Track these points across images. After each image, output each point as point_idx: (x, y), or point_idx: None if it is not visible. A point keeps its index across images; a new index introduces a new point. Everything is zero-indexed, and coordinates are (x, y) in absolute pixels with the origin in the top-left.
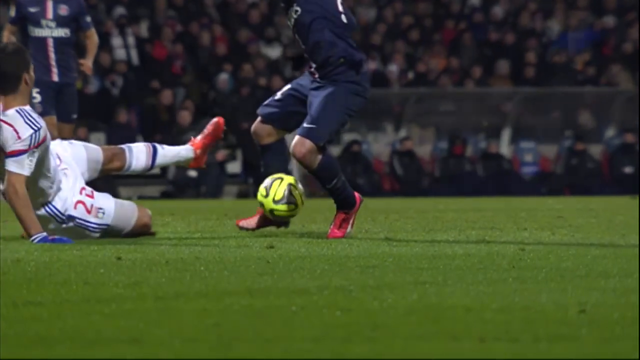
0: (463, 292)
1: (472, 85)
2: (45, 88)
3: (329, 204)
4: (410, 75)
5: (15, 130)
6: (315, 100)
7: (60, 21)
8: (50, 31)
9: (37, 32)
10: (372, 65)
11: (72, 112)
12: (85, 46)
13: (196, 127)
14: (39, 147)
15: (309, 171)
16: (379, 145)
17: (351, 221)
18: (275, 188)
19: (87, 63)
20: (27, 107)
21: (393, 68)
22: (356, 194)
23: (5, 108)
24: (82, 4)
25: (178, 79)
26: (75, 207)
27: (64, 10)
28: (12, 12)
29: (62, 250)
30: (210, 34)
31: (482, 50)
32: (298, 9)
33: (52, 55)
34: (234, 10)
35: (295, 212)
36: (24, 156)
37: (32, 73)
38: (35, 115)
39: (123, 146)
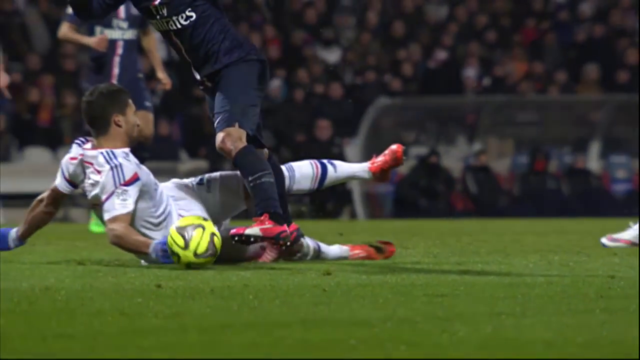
0: (544, 325)
1: (557, 92)
2: None
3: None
4: (486, 81)
5: (96, 169)
6: (216, 96)
7: (132, 21)
8: (121, 33)
9: (107, 34)
10: (442, 70)
11: (144, 100)
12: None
13: None
14: (131, 186)
15: (232, 160)
16: (450, 159)
17: (270, 237)
18: (198, 240)
19: (167, 80)
20: (118, 150)
21: (466, 73)
22: (293, 225)
23: (95, 149)
24: None
25: None
26: None
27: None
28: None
29: (95, 277)
30: (261, 35)
31: (567, 52)
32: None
33: (117, 59)
34: (287, 9)
35: (181, 255)
36: (113, 198)
37: (128, 114)
38: (121, 154)
39: (282, 167)
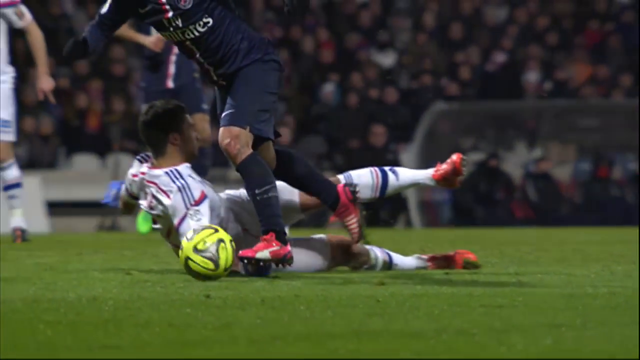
0: (606, 337)
1: (621, 96)
2: (156, 98)
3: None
4: (547, 85)
5: (161, 189)
6: (230, 93)
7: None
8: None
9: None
10: (502, 74)
11: (201, 103)
12: None
13: (297, 145)
14: (202, 204)
15: (235, 165)
16: (510, 166)
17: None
18: (225, 256)
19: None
20: (181, 166)
21: (527, 77)
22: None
23: (158, 168)
24: None
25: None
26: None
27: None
28: None
29: (143, 287)
30: (314, 38)
31: (632, 55)
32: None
33: (173, 58)
34: (341, 12)
35: (212, 275)
36: (187, 220)
37: (185, 129)
38: (185, 171)
39: (340, 176)
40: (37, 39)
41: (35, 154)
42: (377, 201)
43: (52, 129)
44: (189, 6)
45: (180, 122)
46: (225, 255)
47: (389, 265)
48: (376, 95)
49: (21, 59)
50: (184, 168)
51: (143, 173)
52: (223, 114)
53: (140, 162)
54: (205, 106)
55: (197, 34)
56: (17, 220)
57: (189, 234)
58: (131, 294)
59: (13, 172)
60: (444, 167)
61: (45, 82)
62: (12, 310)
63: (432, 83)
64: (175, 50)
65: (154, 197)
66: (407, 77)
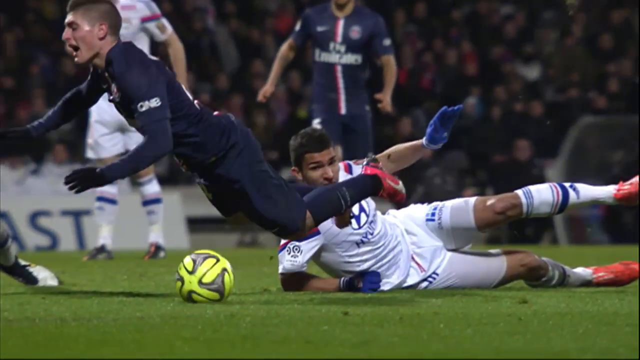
0: None
1: None
2: (329, 119)
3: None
4: None
5: None
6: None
7: (350, 45)
8: (338, 57)
9: (324, 57)
10: None
11: (365, 150)
12: (382, 75)
13: (439, 162)
14: (305, 241)
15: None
16: None
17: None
18: (207, 268)
19: (386, 99)
20: None
21: None
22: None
23: None
24: (380, 23)
25: (425, 96)
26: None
27: (355, 33)
28: (297, 26)
29: (281, 304)
30: (458, 51)
31: None
32: None
33: (340, 84)
34: (485, 24)
35: (216, 298)
36: (284, 251)
37: (305, 169)
38: None
39: (518, 192)
40: (178, 51)
41: (176, 170)
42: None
43: None
44: (118, 99)
45: (301, 161)
46: (229, 283)
47: (563, 276)
48: (520, 109)
49: None
50: None
51: None
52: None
53: None
54: (371, 155)
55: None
56: (154, 235)
57: (189, 264)
58: (269, 310)
59: (153, 187)
60: (626, 187)
61: None
62: (151, 326)
63: (579, 96)
64: (339, 75)
65: None
66: (552, 90)
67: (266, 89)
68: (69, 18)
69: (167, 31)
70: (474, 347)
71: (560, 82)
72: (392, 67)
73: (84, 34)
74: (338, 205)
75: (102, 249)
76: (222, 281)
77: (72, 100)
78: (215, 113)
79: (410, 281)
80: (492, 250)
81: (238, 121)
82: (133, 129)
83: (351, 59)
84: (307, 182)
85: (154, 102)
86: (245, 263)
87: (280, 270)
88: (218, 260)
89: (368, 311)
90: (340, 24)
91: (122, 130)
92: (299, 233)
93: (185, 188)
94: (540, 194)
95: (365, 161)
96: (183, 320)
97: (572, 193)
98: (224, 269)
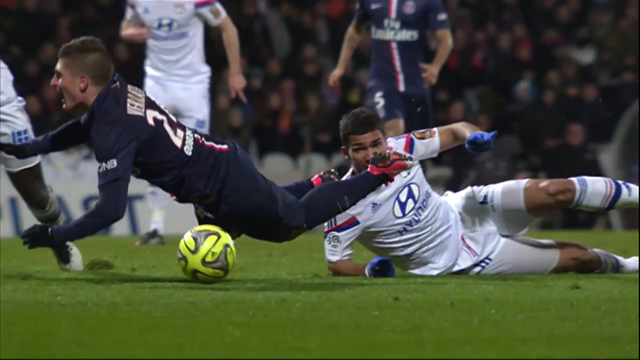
0: None
1: None
2: (390, 93)
3: None
4: None
5: None
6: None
7: (405, 21)
8: (393, 33)
9: (380, 34)
10: None
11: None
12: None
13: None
14: (344, 231)
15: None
16: None
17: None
18: (209, 246)
19: (431, 70)
20: None
21: None
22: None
23: None
24: None
25: (476, 76)
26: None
27: (409, 7)
28: (357, 5)
29: (331, 289)
30: (511, 35)
31: None
32: None
33: (396, 61)
34: (539, 8)
35: (219, 279)
36: (325, 240)
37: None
38: None
39: (573, 179)
40: (232, 36)
41: None
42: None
43: (246, 129)
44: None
45: (347, 141)
46: (211, 247)
47: (616, 267)
48: (574, 94)
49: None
50: None
51: None
52: None
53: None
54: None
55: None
56: None
57: (191, 243)
58: (319, 295)
59: None
60: None
61: (237, 81)
62: (202, 311)
63: (633, 80)
64: (395, 53)
65: None
66: (606, 74)
67: (335, 73)
68: (57, 65)
69: (220, 16)
70: (526, 333)
71: (614, 65)
72: (446, 42)
73: (65, 84)
74: (334, 209)
75: (154, 234)
76: (225, 258)
77: (69, 131)
78: (218, 147)
79: (462, 264)
80: (546, 241)
81: (236, 151)
82: (185, 114)
83: (406, 35)
84: (353, 162)
85: (110, 164)
86: (295, 248)
87: (326, 258)
88: (219, 236)
89: (419, 296)
90: (394, 0)
91: (175, 115)
92: (295, 234)
93: None
94: (595, 185)
95: (371, 159)
96: (234, 305)
97: (624, 190)
98: (227, 245)
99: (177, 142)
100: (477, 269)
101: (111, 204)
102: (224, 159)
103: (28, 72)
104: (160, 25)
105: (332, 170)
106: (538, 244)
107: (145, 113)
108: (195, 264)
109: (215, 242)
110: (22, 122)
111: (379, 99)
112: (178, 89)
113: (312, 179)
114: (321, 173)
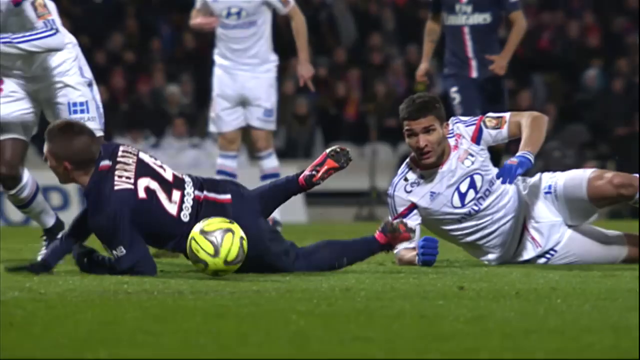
0: None
1: None
2: (465, 85)
3: None
4: None
5: None
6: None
7: (477, 4)
8: (465, 18)
9: (452, 20)
10: None
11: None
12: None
13: (559, 133)
14: (407, 217)
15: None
16: None
17: None
18: (228, 246)
19: (500, 62)
20: (398, 177)
21: None
22: None
23: None
24: None
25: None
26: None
27: None
28: None
29: (396, 278)
30: (580, 22)
31: None
32: None
33: (469, 47)
34: None
35: (209, 262)
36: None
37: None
38: (398, 182)
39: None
40: (300, 24)
41: (293, 144)
42: None
43: (311, 117)
44: None
45: (402, 126)
46: (230, 246)
47: None
48: None
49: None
50: (398, 179)
51: None
52: None
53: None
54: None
55: None
56: None
57: (210, 248)
58: (384, 285)
59: (271, 162)
60: None
61: (305, 69)
62: (267, 300)
63: None
64: (467, 38)
65: None
66: None
67: (421, 67)
68: (44, 147)
69: (289, 4)
70: (592, 323)
71: None
72: (519, 25)
73: (53, 166)
74: (332, 268)
75: None
76: (222, 238)
77: (81, 222)
78: (220, 198)
79: (525, 256)
80: (613, 233)
81: (240, 197)
82: (254, 102)
83: (479, 18)
84: (409, 147)
85: (119, 251)
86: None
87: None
88: (233, 231)
89: (484, 286)
90: None
91: (243, 104)
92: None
93: (303, 161)
94: None
95: (381, 228)
96: (299, 294)
97: None
98: (230, 230)
99: (173, 210)
100: (542, 260)
101: (145, 271)
102: (227, 212)
103: (96, 61)
104: (229, 14)
105: (341, 148)
106: (604, 236)
107: (136, 184)
108: (217, 266)
109: (232, 239)
110: (79, 94)
111: (454, 95)
112: (247, 77)
113: (299, 176)
114: (328, 150)
